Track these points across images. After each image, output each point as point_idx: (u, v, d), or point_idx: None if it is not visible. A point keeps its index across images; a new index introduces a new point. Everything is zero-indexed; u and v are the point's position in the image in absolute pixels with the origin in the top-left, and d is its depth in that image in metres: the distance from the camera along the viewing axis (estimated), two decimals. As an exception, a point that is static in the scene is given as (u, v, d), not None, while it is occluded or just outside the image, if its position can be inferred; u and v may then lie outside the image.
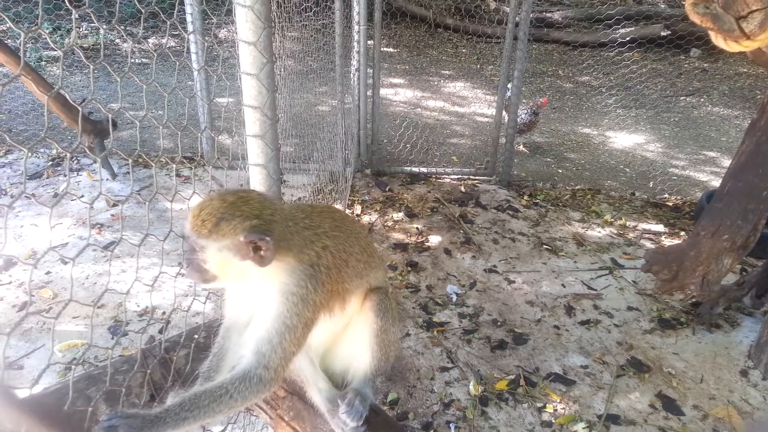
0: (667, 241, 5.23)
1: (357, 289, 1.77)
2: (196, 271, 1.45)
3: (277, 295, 1.50)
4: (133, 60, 9.66)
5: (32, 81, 4.90)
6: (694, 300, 4.27)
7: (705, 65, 10.84)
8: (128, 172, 5.78)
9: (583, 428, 3.18)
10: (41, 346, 3.51)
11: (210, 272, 1.45)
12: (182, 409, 1.42)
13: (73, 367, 2.70)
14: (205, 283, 1.48)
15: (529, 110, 6.80)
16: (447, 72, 10.63)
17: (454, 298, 4.31)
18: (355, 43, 5.86)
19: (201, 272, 1.45)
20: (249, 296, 1.60)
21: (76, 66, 9.08)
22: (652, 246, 5.11)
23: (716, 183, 5.97)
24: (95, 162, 5.94)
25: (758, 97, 9.53)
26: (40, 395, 1.50)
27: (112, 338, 3.61)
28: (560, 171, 6.88)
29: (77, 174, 5.85)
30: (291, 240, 1.49)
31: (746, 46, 2.43)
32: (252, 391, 1.48)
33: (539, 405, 3.34)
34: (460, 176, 6.49)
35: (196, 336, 1.86)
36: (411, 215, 5.52)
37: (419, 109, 8.74)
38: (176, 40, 10.32)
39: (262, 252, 1.40)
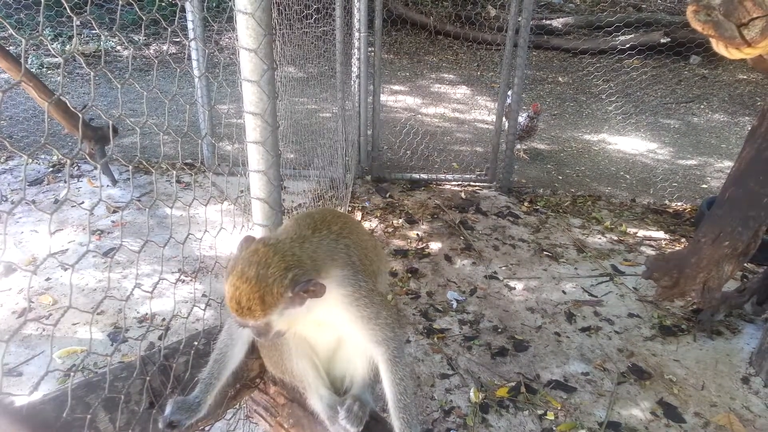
0: (668, 248, 5.22)
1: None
2: (273, 337, 1.51)
3: (341, 308, 1.56)
4: (134, 66, 9.70)
5: (33, 87, 4.92)
6: (694, 307, 4.26)
7: (705, 72, 10.87)
8: (128, 179, 5.79)
9: (585, 436, 3.17)
10: (41, 352, 3.50)
11: (284, 329, 1.50)
12: (411, 422, 1.63)
13: (72, 373, 2.69)
14: (282, 336, 1.54)
15: (525, 116, 6.82)
16: (447, 79, 10.66)
17: (455, 304, 4.30)
18: (356, 50, 5.88)
19: (276, 334, 1.50)
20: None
21: (77, 73, 9.11)
22: (653, 253, 5.10)
23: (717, 189, 5.97)
24: (96, 168, 5.95)
25: (758, 103, 9.54)
26: (38, 402, 1.49)
27: (112, 345, 3.60)
28: (560, 177, 6.88)
29: (78, 180, 5.86)
30: (319, 258, 1.49)
31: (747, 53, 2.43)
32: (407, 365, 1.68)
33: (540, 412, 3.32)
34: (460, 183, 6.49)
35: (196, 343, 1.85)
36: (411, 221, 5.51)
37: (419, 116, 8.76)
38: (177, 47, 10.36)
39: (311, 292, 1.41)
